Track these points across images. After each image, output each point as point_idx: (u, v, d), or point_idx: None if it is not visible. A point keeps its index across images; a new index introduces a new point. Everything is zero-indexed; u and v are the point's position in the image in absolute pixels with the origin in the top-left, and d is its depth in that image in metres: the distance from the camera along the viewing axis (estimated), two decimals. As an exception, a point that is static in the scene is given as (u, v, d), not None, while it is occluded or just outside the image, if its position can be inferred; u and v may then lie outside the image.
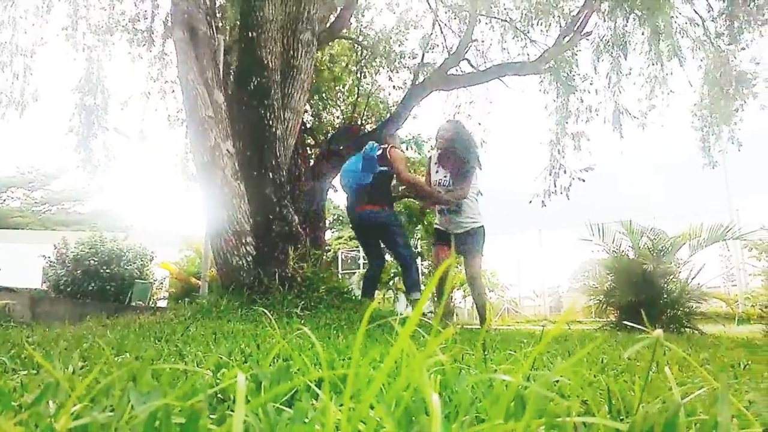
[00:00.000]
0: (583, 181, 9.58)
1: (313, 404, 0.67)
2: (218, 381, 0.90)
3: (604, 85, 9.78)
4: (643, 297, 5.87)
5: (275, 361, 1.35)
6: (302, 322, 3.47)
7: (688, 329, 5.76)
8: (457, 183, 4.87)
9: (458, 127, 5.05)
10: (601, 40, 9.58)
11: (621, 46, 9.46)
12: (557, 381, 0.90)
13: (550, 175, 10.03)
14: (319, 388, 0.78)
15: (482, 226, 5.01)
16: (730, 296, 11.16)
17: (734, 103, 8.70)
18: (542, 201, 9.90)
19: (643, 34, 9.04)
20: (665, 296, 6.09)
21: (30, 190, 38.80)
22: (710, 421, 0.61)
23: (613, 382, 0.95)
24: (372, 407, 0.51)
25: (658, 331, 0.63)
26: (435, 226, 5.23)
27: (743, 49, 8.61)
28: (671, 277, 6.26)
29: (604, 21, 9.43)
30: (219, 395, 0.79)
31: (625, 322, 5.30)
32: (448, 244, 4.95)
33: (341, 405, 0.49)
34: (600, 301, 6.80)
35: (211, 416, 0.63)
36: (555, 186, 9.88)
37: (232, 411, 0.68)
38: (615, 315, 6.54)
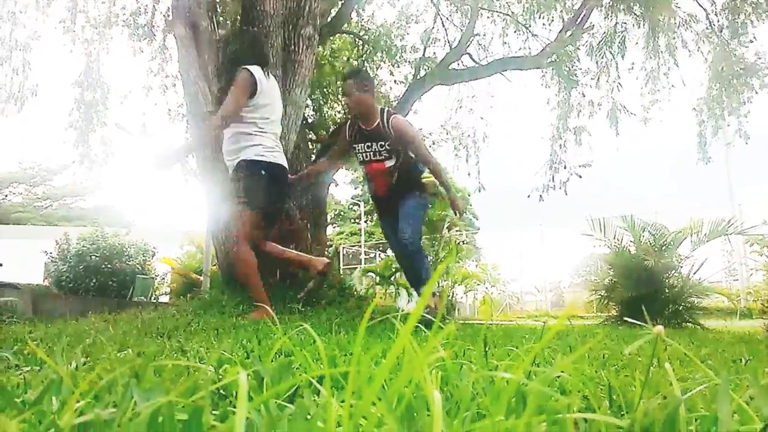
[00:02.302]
0: (580, 176, 9.55)
1: (314, 400, 0.68)
2: (220, 377, 0.90)
3: (603, 80, 9.74)
4: (644, 292, 5.87)
5: (277, 357, 1.36)
6: (304, 318, 3.48)
7: (689, 324, 5.76)
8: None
9: None
10: (601, 36, 9.54)
11: (620, 43, 9.42)
12: (558, 377, 0.90)
13: (550, 169, 10.00)
14: (321, 385, 0.79)
15: (250, 160, 3.39)
16: (732, 291, 11.18)
17: (741, 95, 8.63)
18: (540, 195, 9.87)
19: (641, 27, 9.00)
20: (667, 291, 6.09)
21: (32, 185, 38.89)
22: (711, 417, 0.61)
23: (614, 378, 0.95)
24: (374, 404, 0.51)
25: (659, 327, 0.64)
26: None
27: (751, 41, 8.54)
28: (673, 272, 6.26)
29: (605, 18, 9.39)
30: (221, 391, 0.79)
31: (626, 319, 5.30)
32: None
33: (343, 401, 0.49)
34: (601, 296, 6.80)
35: (214, 412, 0.63)
36: (553, 181, 9.86)
37: (235, 407, 0.68)
38: (616, 310, 6.55)
